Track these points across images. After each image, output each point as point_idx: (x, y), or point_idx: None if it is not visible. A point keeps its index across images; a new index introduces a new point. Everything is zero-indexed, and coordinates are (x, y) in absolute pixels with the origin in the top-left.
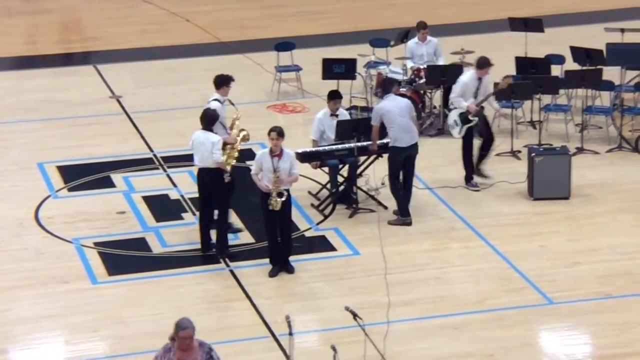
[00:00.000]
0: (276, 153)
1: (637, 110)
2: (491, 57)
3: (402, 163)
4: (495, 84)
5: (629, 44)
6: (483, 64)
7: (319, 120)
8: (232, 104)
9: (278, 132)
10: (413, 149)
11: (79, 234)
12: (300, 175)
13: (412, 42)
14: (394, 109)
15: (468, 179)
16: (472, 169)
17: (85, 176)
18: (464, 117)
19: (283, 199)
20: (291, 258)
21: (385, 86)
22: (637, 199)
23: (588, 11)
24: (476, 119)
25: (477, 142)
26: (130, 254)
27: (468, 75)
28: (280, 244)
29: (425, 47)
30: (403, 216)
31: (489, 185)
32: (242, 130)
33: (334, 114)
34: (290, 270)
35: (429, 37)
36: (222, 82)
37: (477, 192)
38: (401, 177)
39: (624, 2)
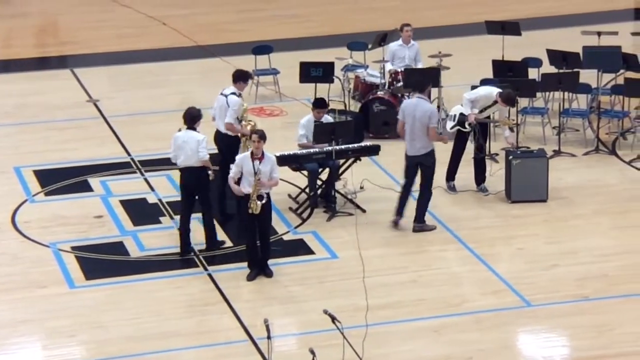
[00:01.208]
0: (257, 156)
1: (613, 113)
2: (468, 61)
3: (414, 167)
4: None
5: (606, 47)
6: (508, 100)
7: (302, 125)
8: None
9: (260, 135)
10: (420, 159)
11: (56, 239)
12: (280, 179)
13: (395, 45)
14: (411, 112)
15: (448, 179)
16: (455, 170)
17: (62, 180)
18: (461, 119)
19: (263, 201)
20: (270, 262)
21: (414, 82)
22: (614, 202)
23: (565, 14)
24: (469, 129)
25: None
26: (108, 258)
27: (489, 92)
28: (259, 247)
29: (407, 50)
30: (395, 214)
31: (467, 188)
32: (250, 121)
33: (318, 121)
34: (268, 273)
35: (412, 41)
36: (242, 77)
37: (455, 194)
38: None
39: (601, 5)
